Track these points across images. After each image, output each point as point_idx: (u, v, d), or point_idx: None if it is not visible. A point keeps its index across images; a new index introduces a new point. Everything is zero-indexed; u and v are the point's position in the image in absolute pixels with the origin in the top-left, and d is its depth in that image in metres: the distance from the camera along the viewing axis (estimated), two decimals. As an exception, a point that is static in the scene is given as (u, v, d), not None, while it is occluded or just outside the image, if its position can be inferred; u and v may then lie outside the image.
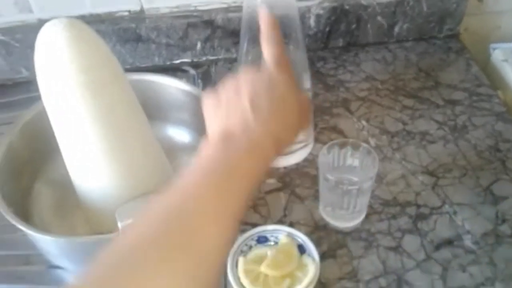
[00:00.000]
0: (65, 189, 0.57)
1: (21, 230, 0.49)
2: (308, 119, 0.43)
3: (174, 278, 0.30)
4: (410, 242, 0.55)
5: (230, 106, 0.38)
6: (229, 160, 0.35)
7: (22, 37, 0.75)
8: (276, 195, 0.61)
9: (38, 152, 0.59)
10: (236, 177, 0.35)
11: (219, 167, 0.35)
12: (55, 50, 0.44)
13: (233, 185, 0.34)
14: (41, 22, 0.74)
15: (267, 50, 0.43)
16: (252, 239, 0.55)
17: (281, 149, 0.39)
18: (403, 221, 0.57)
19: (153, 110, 0.56)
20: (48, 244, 0.50)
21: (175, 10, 0.77)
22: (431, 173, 0.62)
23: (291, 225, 0.57)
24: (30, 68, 0.77)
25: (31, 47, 0.74)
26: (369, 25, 0.80)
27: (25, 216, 0.54)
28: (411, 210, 0.58)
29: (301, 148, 0.64)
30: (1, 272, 0.57)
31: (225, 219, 0.33)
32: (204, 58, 0.81)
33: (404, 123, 0.68)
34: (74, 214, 0.57)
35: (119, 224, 0.44)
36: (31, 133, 0.57)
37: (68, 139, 0.49)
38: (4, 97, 0.78)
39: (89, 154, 0.49)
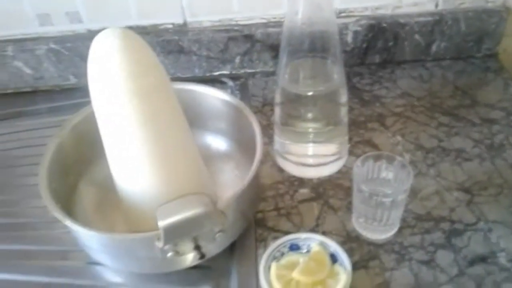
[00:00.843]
0: (107, 190, 0.59)
1: (61, 227, 0.51)
2: None
3: None
4: (443, 257, 0.55)
5: None
6: None
7: (72, 46, 0.79)
8: (309, 205, 0.62)
9: (84, 153, 0.62)
10: None
11: None
12: (108, 58, 0.47)
13: None
14: (90, 33, 0.80)
15: None
16: (285, 246, 0.56)
17: None
18: (437, 236, 0.57)
19: (193, 118, 0.58)
20: (91, 239, 0.52)
21: (217, 24, 0.80)
22: (466, 190, 0.62)
23: (323, 234, 0.57)
24: (78, 75, 0.82)
25: (79, 55, 0.80)
26: (406, 43, 0.81)
27: (69, 213, 0.56)
28: (445, 226, 0.58)
29: (334, 160, 0.65)
30: (42, 266, 0.59)
31: None
32: (242, 71, 0.84)
33: (440, 140, 0.69)
34: (114, 214, 0.59)
35: (159, 223, 0.46)
36: (79, 136, 0.60)
37: (113, 142, 0.51)
38: (52, 102, 0.82)
39: (132, 157, 0.51)
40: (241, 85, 0.82)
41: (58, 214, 0.51)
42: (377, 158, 0.56)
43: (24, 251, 0.61)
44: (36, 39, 0.80)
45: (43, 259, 0.60)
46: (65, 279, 0.57)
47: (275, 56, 0.81)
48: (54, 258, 0.60)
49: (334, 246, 0.55)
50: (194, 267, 0.54)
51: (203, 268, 0.56)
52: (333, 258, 0.54)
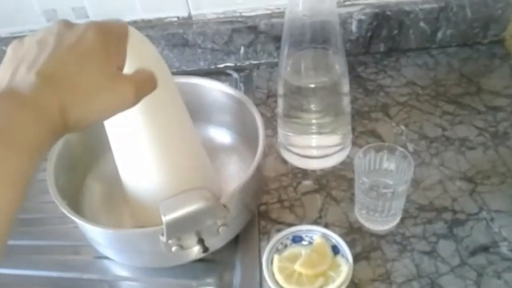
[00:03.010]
0: (113, 184, 0.61)
1: (71, 222, 0.52)
2: (130, 98, 0.37)
3: None
4: (445, 247, 0.55)
5: (24, 62, 0.35)
6: (8, 118, 0.31)
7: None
8: (312, 196, 0.62)
9: (91, 149, 0.63)
10: (17, 137, 0.31)
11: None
12: None
13: (13, 145, 0.30)
14: (96, 28, 0.81)
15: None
16: (287, 238, 0.57)
17: (73, 123, 0.35)
18: (439, 226, 0.57)
19: (196, 111, 0.58)
20: (97, 235, 0.54)
21: (221, 16, 0.80)
22: (469, 179, 0.62)
23: (326, 226, 0.58)
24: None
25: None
26: (411, 31, 0.80)
27: (76, 208, 0.57)
28: (447, 216, 0.58)
29: (338, 151, 0.66)
30: (52, 260, 0.61)
31: (6, 178, 0.30)
32: (247, 63, 0.84)
33: (444, 129, 0.68)
34: (120, 208, 0.61)
35: (163, 218, 0.47)
36: (85, 131, 0.61)
37: (118, 139, 0.52)
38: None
39: (137, 153, 0.52)
40: (245, 77, 0.82)
41: (65, 209, 0.52)
42: (378, 149, 0.56)
43: (34, 246, 0.63)
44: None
45: (52, 254, 0.62)
46: (74, 273, 0.59)
47: (280, 47, 0.81)
48: (64, 252, 0.62)
49: (336, 238, 0.55)
50: (199, 261, 0.55)
51: (207, 261, 0.57)
52: (335, 250, 0.54)
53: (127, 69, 0.48)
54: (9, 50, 0.37)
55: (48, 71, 0.34)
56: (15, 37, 0.82)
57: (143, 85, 0.39)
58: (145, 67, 0.48)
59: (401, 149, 0.55)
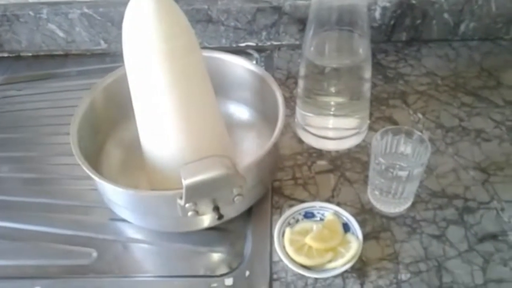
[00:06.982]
0: (131, 152, 0.62)
1: (86, 184, 0.53)
2: None
3: None
4: (454, 233, 0.56)
5: None
6: None
7: (104, 11, 0.81)
8: (326, 176, 0.63)
9: (113, 115, 0.64)
10: None
11: None
12: (143, 19, 0.48)
13: None
14: (123, -2, 0.82)
15: None
16: (300, 214, 0.58)
17: None
18: (449, 212, 0.58)
19: (217, 86, 0.59)
20: (116, 195, 0.55)
21: (246, -6, 0.81)
22: (482, 170, 0.62)
23: (338, 205, 0.59)
24: (108, 41, 0.85)
25: (111, 21, 0.82)
26: (434, 21, 0.80)
27: (96, 171, 0.59)
28: (459, 203, 0.59)
29: (354, 134, 0.66)
30: (66, 219, 0.62)
31: None
32: (268, 43, 0.85)
33: (461, 120, 0.69)
34: (137, 175, 0.62)
35: (183, 181, 0.48)
36: (109, 97, 0.63)
37: (143, 104, 0.53)
38: (82, 66, 0.85)
39: (161, 119, 0.53)
40: (266, 57, 0.83)
41: (88, 169, 0.53)
42: (396, 132, 0.57)
43: (50, 204, 0.64)
44: (70, 3, 0.82)
45: (67, 213, 0.63)
46: (88, 233, 0.60)
47: (302, 30, 0.82)
48: (78, 212, 0.63)
49: (347, 216, 0.56)
50: (211, 229, 0.57)
51: (219, 230, 0.58)
52: (346, 227, 0.55)
53: (160, 34, 0.49)
54: None
55: None
56: (41, 3, 0.84)
57: None
58: (176, 33, 0.49)
59: (419, 133, 0.56)
